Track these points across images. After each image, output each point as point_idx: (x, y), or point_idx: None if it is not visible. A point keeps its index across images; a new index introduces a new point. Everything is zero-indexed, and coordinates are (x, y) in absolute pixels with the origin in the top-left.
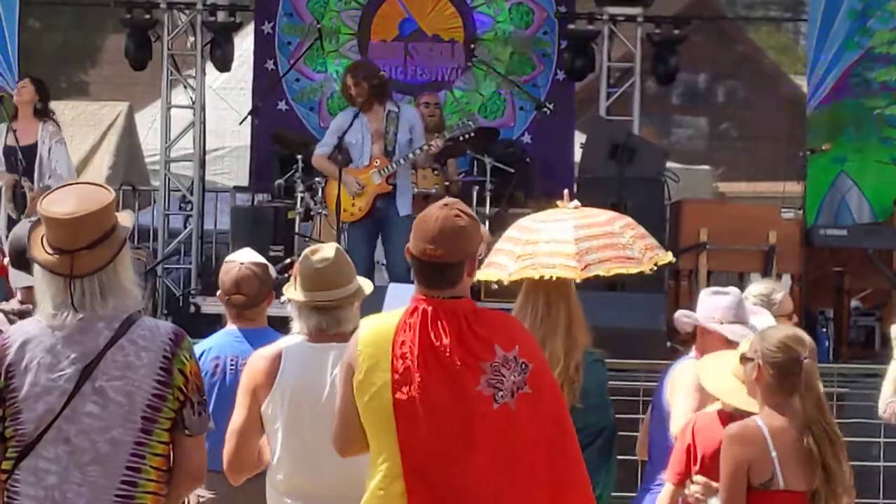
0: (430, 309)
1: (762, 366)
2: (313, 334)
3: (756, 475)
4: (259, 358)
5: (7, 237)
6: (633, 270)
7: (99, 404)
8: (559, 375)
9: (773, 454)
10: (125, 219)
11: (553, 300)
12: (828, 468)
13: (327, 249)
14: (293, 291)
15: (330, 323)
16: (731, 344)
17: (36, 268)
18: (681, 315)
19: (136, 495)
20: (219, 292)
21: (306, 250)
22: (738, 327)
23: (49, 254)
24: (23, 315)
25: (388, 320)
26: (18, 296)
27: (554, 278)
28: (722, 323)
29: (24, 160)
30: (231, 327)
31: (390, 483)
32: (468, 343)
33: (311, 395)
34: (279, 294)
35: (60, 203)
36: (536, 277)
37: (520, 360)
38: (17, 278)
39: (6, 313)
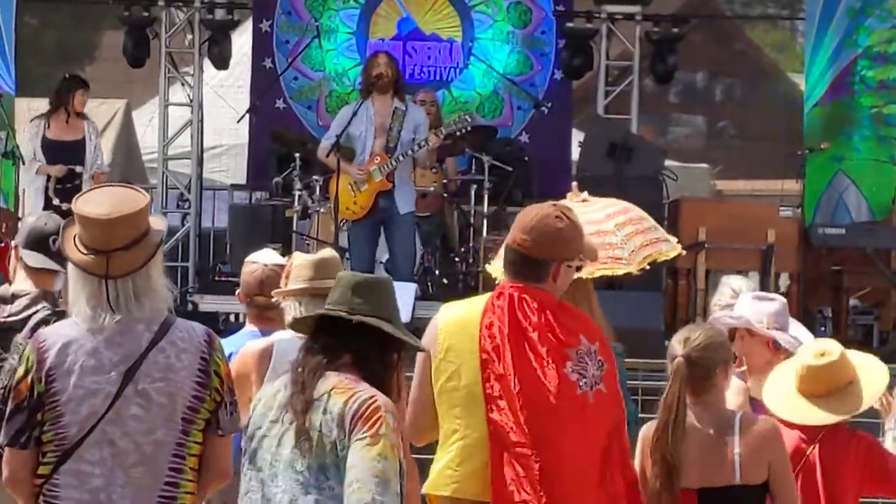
0: (515, 293)
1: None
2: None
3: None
4: (249, 353)
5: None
6: (620, 272)
7: (142, 406)
8: None
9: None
10: (158, 223)
11: (577, 300)
12: (657, 473)
13: (322, 251)
14: (293, 284)
15: None
16: (777, 351)
17: (70, 268)
18: (724, 317)
19: (177, 495)
20: (239, 292)
21: (296, 252)
22: (787, 335)
23: (84, 253)
24: (2, 300)
25: (472, 304)
26: (19, 278)
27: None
28: (769, 328)
29: (72, 154)
30: (251, 328)
31: (464, 460)
32: (554, 328)
33: None
34: None
35: (95, 203)
36: None
37: (598, 357)
38: (31, 258)
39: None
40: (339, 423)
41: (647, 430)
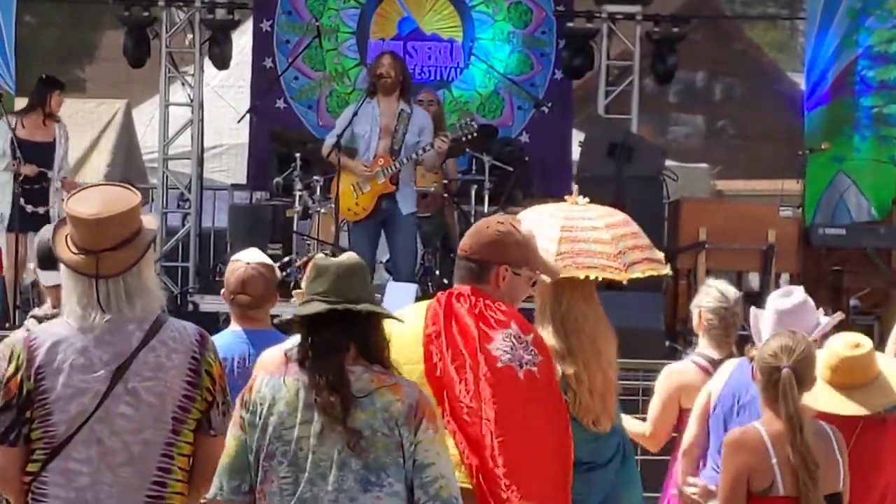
0: (456, 290)
1: (755, 370)
2: None
3: (757, 482)
4: (269, 359)
5: (14, 224)
6: (663, 272)
7: (132, 405)
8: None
9: (774, 461)
10: (150, 222)
11: (578, 301)
12: (803, 481)
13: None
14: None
15: None
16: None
17: (62, 267)
18: (812, 327)
19: (165, 496)
20: (223, 291)
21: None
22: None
23: (74, 253)
24: (38, 319)
25: (423, 303)
26: (49, 300)
27: (593, 278)
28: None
29: (41, 156)
30: (235, 328)
31: None
32: (484, 314)
33: None
34: (282, 293)
35: (87, 203)
36: (581, 277)
37: (531, 347)
38: (46, 277)
39: (38, 318)
40: (402, 422)
41: (742, 437)
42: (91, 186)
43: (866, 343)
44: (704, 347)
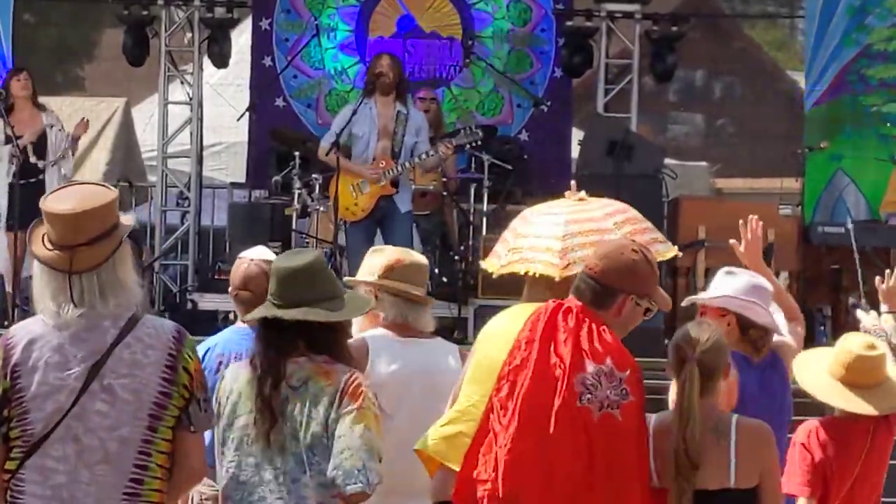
0: (568, 305)
1: (669, 357)
2: (396, 325)
3: None
4: None
5: (13, 223)
6: (670, 254)
7: (108, 402)
8: None
9: (651, 451)
10: (127, 219)
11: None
12: (672, 474)
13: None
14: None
15: (415, 316)
16: None
17: (35, 265)
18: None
19: (142, 493)
20: (230, 288)
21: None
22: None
23: (49, 250)
24: None
25: (525, 307)
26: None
27: (537, 274)
28: None
29: (34, 151)
30: (240, 325)
31: (450, 422)
32: (582, 339)
33: (406, 389)
34: None
35: (63, 201)
36: (522, 272)
37: (623, 385)
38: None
39: None
40: (328, 403)
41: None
42: (67, 186)
43: (881, 346)
44: None
